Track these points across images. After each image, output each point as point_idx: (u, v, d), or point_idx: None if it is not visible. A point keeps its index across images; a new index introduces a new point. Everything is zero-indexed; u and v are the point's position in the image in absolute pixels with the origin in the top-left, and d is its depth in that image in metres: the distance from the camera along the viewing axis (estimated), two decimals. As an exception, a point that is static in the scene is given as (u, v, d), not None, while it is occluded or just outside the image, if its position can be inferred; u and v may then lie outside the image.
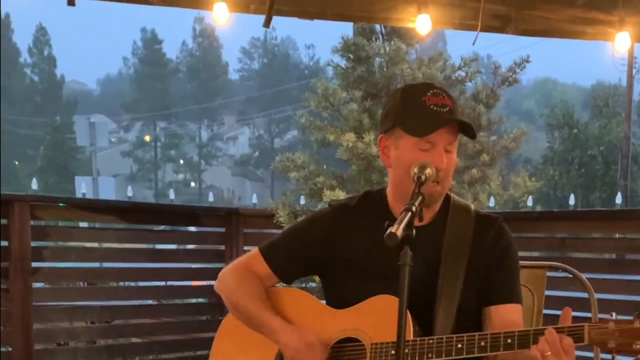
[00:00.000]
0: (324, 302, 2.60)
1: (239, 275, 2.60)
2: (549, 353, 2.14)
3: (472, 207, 2.58)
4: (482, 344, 2.22)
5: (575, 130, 33.86)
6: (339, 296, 2.52)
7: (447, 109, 2.37)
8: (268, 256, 2.61)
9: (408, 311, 2.12)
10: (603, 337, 2.13)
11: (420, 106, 2.37)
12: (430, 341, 2.26)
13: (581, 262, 5.47)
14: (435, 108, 2.36)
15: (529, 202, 8.67)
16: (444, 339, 2.26)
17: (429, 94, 2.39)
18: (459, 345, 2.24)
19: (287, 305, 2.56)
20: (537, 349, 2.16)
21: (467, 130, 2.40)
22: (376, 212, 2.48)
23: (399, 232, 2.04)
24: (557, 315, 2.21)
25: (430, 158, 2.35)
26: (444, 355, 2.25)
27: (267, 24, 4.24)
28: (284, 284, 2.69)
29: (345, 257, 2.51)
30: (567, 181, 32.75)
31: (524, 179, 6.10)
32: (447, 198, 2.55)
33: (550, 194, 31.69)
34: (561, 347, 2.14)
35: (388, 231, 2.04)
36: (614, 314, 2.14)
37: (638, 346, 2.10)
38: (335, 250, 2.53)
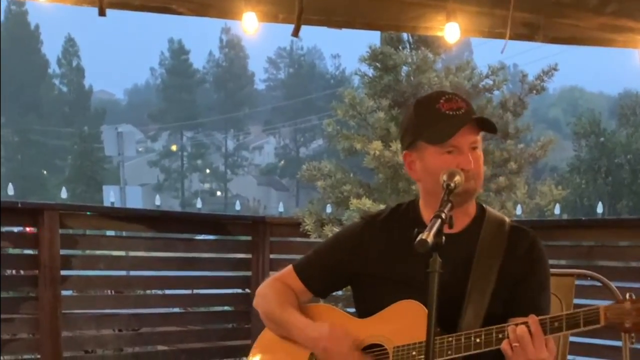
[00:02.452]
0: (351, 310, 2.64)
1: (275, 288, 2.65)
2: (517, 344, 2.18)
3: (507, 219, 2.58)
4: (500, 336, 2.23)
5: (602, 139, 33.66)
6: (369, 305, 2.53)
7: (462, 110, 2.40)
8: (301, 273, 2.65)
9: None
10: (620, 317, 2.12)
11: (436, 114, 2.40)
12: (450, 339, 2.27)
13: (609, 271, 5.42)
14: (450, 112, 2.39)
15: (557, 210, 8.62)
16: (463, 335, 2.27)
17: (442, 100, 2.42)
18: (477, 340, 2.25)
19: (314, 319, 2.58)
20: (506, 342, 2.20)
21: (487, 125, 2.43)
22: (408, 223, 2.46)
23: (430, 239, 2.06)
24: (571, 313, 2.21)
25: (457, 161, 2.37)
26: (462, 350, 2.26)
27: (296, 33, 4.25)
28: (317, 299, 2.73)
29: (375, 269, 2.53)
30: (593, 189, 32.55)
31: (551, 188, 6.06)
32: (483, 209, 2.56)
33: (576, 202, 31.48)
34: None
35: (419, 238, 2.06)
36: (631, 293, 2.12)
37: None
38: (366, 263, 2.55)
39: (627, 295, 2.13)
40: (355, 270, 2.58)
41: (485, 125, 2.43)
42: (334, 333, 2.45)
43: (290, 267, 2.69)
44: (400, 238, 2.44)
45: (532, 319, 2.20)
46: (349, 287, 2.98)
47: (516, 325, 2.21)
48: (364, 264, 2.55)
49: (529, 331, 2.18)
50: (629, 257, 6.11)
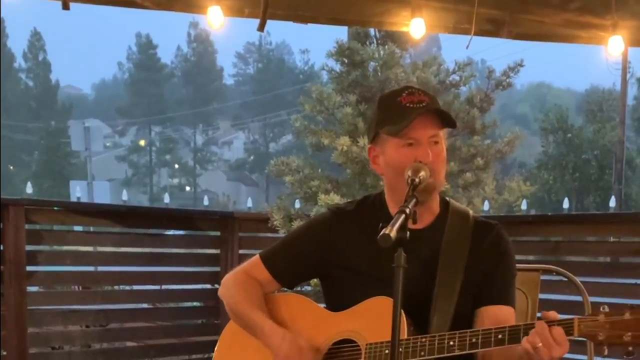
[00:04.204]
0: (322, 305, 2.62)
1: (239, 281, 2.64)
2: (540, 344, 2.14)
3: (471, 213, 2.59)
4: (474, 340, 2.22)
5: (570, 135, 33.91)
6: (338, 299, 2.54)
7: (423, 104, 2.40)
8: (268, 262, 2.64)
9: (403, 312, 2.14)
10: (593, 329, 2.13)
11: (397, 107, 2.41)
12: (423, 339, 2.27)
13: (575, 266, 5.48)
14: (411, 105, 2.39)
15: (523, 206, 8.69)
16: (437, 337, 2.27)
17: (404, 94, 2.43)
18: (451, 343, 2.24)
19: (285, 310, 2.59)
20: (528, 341, 2.16)
21: (446, 119, 2.42)
22: (375, 216, 2.46)
23: (393, 234, 2.05)
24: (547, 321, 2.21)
25: (415, 154, 2.37)
26: (436, 352, 2.25)
27: (261, 27, 4.25)
28: (285, 289, 2.72)
29: (344, 261, 2.53)
30: (561, 185, 32.81)
31: (519, 184, 6.11)
32: (447, 203, 2.57)
33: (544, 198, 31.74)
34: (552, 337, 2.14)
35: (382, 232, 2.06)
36: (605, 306, 2.14)
37: (628, 338, 2.09)
38: (334, 254, 2.55)
39: (601, 308, 2.14)
40: (323, 262, 2.57)
41: (444, 119, 2.42)
42: (293, 348, 2.43)
43: (257, 256, 2.67)
44: (368, 231, 2.41)
45: (549, 317, 2.19)
46: (318, 282, 2.99)
47: (529, 327, 2.19)
48: (332, 256, 2.55)
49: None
50: (595, 253, 6.18)
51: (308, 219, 3.31)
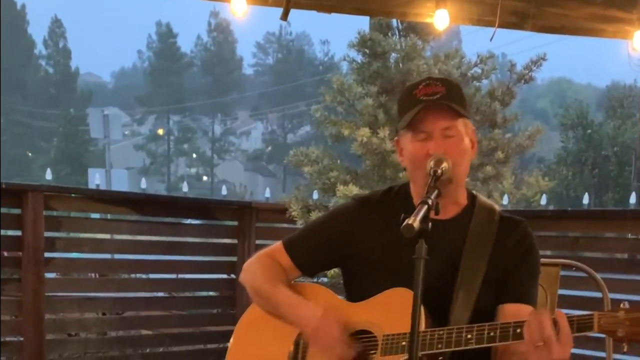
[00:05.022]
0: (341, 297, 2.61)
1: (262, 263, 2.63)
2: (541, 343, 2.10)
3: (497, 208, 2.56)
4: (492, 334, 2.19)
5: (590, 131, 33.77)
6: (358, 290, 2.52)
7: (437, 95, 2.37)
8: (290, 249, 2.63)
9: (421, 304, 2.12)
10: (613, 325, 2.09)
11: (412, 99, 2.39)
12: (441, 332, 2.25)
13: (594, 262, 5.43)
14: (424, 98, 2.37)
15: (543, 201, 8.64)
16: (454, 330, 2.24)
17: (421, 86, 2.41)
18: (469, 336, 2.21)
19: (305, 298, 2.55)
20: (528, 334, 2.12)
21: (458, 110, 2.38)
22: (398, 206, 2.45)
23: (416, 224, 2.04)
24: (569, 315, 2.19)
25: (427, 147, 2.35)
26: (453, 345, 2.23)
27: (284, 16, 4.23)
28: (306, 278, 2.71)
29: (365, 251, 2.51)
30: (580, 181, 32.68)
31: (537, 179, 6.07)
32: (474, 197, 2.55)
33: (563, 194, 31.61)
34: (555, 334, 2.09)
35: (405, 223, 2.04)
36: (625, 303, 2.12)
37: None
38: (356, 244, 2.53)
39: (622, 305, 2.12)
40: (345, 252, 2.56)
41: (456, 110, 2.38)
42: (326, 316, 2.41)
43: (279, 243, 2.66)
44: (390, 221, 2.38)
45: (560, 315, 2.13)
46: (335, 273, 2.98)
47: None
48: (354, 246, 2.53)
49: (556, 329, 2.11)
50: (613, 249, 6.13)
51: (330, 209, 3.29)
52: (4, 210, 5.65)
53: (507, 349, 2.34)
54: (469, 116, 2.47)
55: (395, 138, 2.55)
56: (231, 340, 2.70)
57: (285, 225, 6.02)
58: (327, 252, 2.60)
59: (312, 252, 2.62)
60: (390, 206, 2.53)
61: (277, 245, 2.67)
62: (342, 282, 2.67)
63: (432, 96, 2.36)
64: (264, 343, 2.60)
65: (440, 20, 4.29)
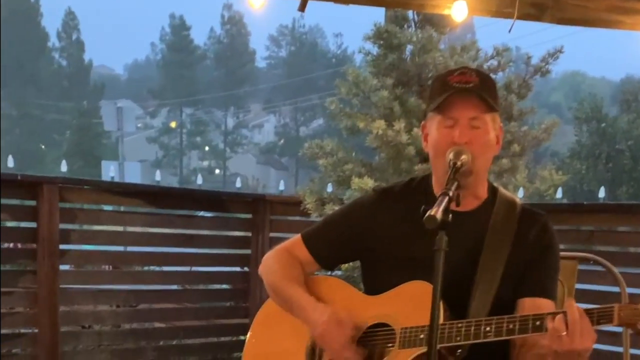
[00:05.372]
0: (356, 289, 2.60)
1: (280, 258, 2.62)
2: (564, 333, 2.09)
3: (519, 201, 2.55)
4: (511, 326, 2.18)
5: (604, 125, 33.63)
6: (377, 282, 2.51)
7: (470, 85, 2.37)
8: (309, 243, 2.62)
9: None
10: (633, 318, 2.09)
11: (445, 85, 2.39)
12: (459, 325, 2.24)
13: (608, 256, 5.38)
14: (457, 85, 2.37)
15: (559, 194, 8.58)
16: (473, 322, 2.23)
17: (456, 73, 2.41)
18: (487, 329, 2.20)
19: (322, 291, 2.56)
20: (553, 327, 2.11)
21: (488, 103, 2.38)
22: (420, 199, 2.43)
23: (439, 215, 2.04)
24: (587, 309, 2.17)
25: (452, 134, 2.35)
26: (472, 338, 2.22)
27: (302, 7, 4.21)
28: (325, 271, 2.70)
29: (385, 244, 2.50)
30: (593, 175, 32.55)
31: (551, 172, 6.02)
32: (495, 189, 2.54)
33: (576, 187, 31.48)
34: (580, 326, 2.09)
35: (427, 214, 2.04)
36: None
37: None
38: (376, 237, 2.52)
39: None
40: (365, 245, 2.54)
41: (486, 102, 2.38)
42: (331, 321, 2.39)
43: (298, 236, 2.66)
44: (410, 213, 2.40)
45: (573, 308, 2.12)
46: (349, 266, 2.95)
47: (556, 314, 2.14)
48: (374, 238, 2.52)
49: (575, 320, 2.10)
50: (628, 243, 6.09)
51: (348, 201, 3.27)
52: (19, 202, 5.66)
53: (525, 342, 2.33)
54: (499, 111, 2.46)
55: (422, 122, 2.54)
56: (248, 334, 2.70)
57: (299, 218, 6.01)
58: (346, 245, 2.59)
59: (331, 246, 2.61)
60: (411, 198, 2.52)
61: (295, 238, 2.66)
62: (356, 274, 2.66)
63: (466, 84, 2.36)
64: (281, 338, 2.59)
65: (458, 11, 4.26)
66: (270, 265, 2.63)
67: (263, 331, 2.67)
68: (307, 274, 2.61)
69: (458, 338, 2.23)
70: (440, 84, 2.42)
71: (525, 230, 2.46)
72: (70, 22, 57.54)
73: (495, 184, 2.58)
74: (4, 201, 5.48)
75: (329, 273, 2.90)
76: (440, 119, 2.39)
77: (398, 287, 2.41)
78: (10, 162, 12.40)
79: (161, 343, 5.97)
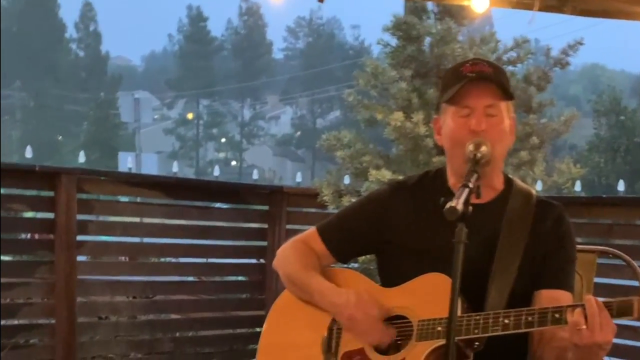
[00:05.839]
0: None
1: (296, 249, 2.61)
2: (584, 327, 2.08)
3: (534, 192, 2.53)
4: (530, 319, 2.17)
5: (623, 117, 33.45)
6: (393, 275, 2.49)
7: (484, 74, 2.37)
8: (325, 235, 2.61)
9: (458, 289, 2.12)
10: None
11: (459, 75, 2.39)
12: (477, 317, 2.23)
13: (628, 249, 5.34)
14: (471, 74, 2.36)
15: (577, 187, 8.54)
16: (491, 315, 2.22)
17: (468, 64, 2.41)
18: (506, 321, 2.19)
19: (340, 283, 2.53)
20: (572, 321, 2.09)
21: (503, 90, 2.38)
22: (435, 191, 2.42)
23: (459, 206, 2.04)
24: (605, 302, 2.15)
25: (469, 123, 2.34)
26: (490, 331, 2.21)
27: (322, -1, 4.18)
28: (340, 264, 2.69)
29: (401, 236, 2.49)
30: (612, 168, 32.40)
31: (569, 165, 5.98)
32: (510, 181, 2.52)
33: (595, 181, 31.34)
34: (599, 319, 2.07)
35: (448, 205, 2.04)
36: None
37: None
38: (392, 229, 2.51)
39: None
40: (379, 237, 2.53)
41: (505, 91, 2.38)
42: (361, 301, 2.39)
43: (313, 229, 2.64)
44: (426, 206, 2.40)
45: (592, 302, 2.11)
46: (365, 259, 2.93)
47: (575, 307, 2.13)
48: (390, 231, 2.50)
49: (594, 313, 2.09)
50: (646, 237, 6.03)
51: (364, 194, 3.26)
52: (36, 192, 5.67)
53: (543, 336, 2.33)
54: (513, 99, 2.46)
55: (435, 116, 2.52)
56: (264, 325, 2.68)
57: (316, 210, 5.98)
58: (362, 237, 2.58)
59: (346, 238, 2.60)
60: (427, 190, 2.51)
61: (310, 231, 2.65)
62: (371, 267, 2.65)
63: (479, 74, 2.36)
64: (297, 329, 2.58)
65: (479, 2, 4.23)
66: (286, 256, 2.62)
67: (279, 321, 2.65)
68: (322, 267, 2.59)
69: (476, 331, 2.22)
70: (453, 75, 2.41)
71: (541, 221, 2.44)
72: (87, 13, 57.78)
73: (510, 176, 2.56)
74: (22, 192, 5.50)
75: (344, 266, 2.88)
76: (455, 109, 2.38)
77: (415, 280, 2.40)
78: (29, 153, 12.48)
79: (177, 334, 5.97)
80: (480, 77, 2.35)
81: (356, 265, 5.02)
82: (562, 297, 2.37)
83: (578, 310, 2.10)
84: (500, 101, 2.38)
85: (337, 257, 2.64)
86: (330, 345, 2.48)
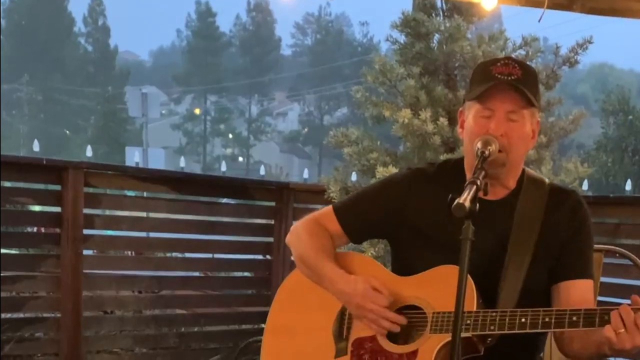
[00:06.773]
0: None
1: (310, 228, 2.60)
2: (623, 330, 2.09)
3: (547, 180, 2.53)
4: (547, 319, 2.18)
5: (631, 117, 33.33)
6: (406, 263, 2.50)
7: (513, 77, 2.35)
8: (340, 215, 2.60)
9: (473, 283, 2.16)
10: None
11: (487, 74, 2.38)
12: (494, 314, 2.23)
13: (635, 249, 5.32)
14: (499, 76, 2.35)
15: (584, 187, 8.49)
16: (508, 312, 2.22)
17: (499, 63, 2.39)
18: (523, 320, 2.20)
19: (353, 268, 2.53)
20: (611, 327, 2.10)
21: (528, 98, 2.36)
22: (453, 180, 2.42)
23: (467, 203, 2.04)
24: (611, 302, 2.15)
25: (489, 125, 2.34)
26: (506, 328, 2.22)
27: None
28: (353, 245, 2.68)
29: (416, 224, 2.49)
30: (620, 168, 32.28)
31: (576, 165, 5.95)
32: (522, 173, 2.51)
33: (602, 180, 31.25)
34: (636, 325, 2.08)
35: (455, 202, 2.05)
36: None
37: None
38: (407, 215, 2.51)
39: None
40: (395, 221, 2.53)
41: (527, 97, 2.36)
42: (368, 288, 2.39)
43: (329, 207, 2.64)
44: (443, 195, 2.36)
45: (627, 308, 2.12)
46: (381, 248, 2.92)
47: (605, 311, 2.14)
48: (407, 217, 2.51)
49: (631, 320, 2.11)
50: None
51: (383, 177, 3.25)
52: (43, 186, 5.67)
53: (566, 333, 2.34)
54: (539, 107, 2.44)
55: (460, 109, 2.52)
56: (272, 305, 2.67)
57: (323, 206, 5.96)
58: (378, 220, 2.57)
59: (362, 220, 2.60)
60: (445, 179, 2.51)
61: (326, 209, 2.65)
62: (383, 254, 2.64)
63: (508, 76, 2.35)
64: (307, 311, 2.57)
65: (488, 0, 4.21)
66: (299, 234, 2.61)
67: (288, 302, 2.65)
68: (335, 248, 2.58)
69: (492, 327, 2.22)
70: (482, 73, 2.41)
71: (555, 210, 2.44)
72: (96, 7, 57.78)
73: (524, 167, 2.55)
74: (29, 185, 5.50)
75: (361, 249, 2.87)
76: (479, 108, 2.38)
77: (431, 270, 2.40)
78: (36, 147, 12.51)
79: (183, 329, 5.97)
80: (506, 81, 2.34)
81: (373, 252, 5.01)
82: (584, 286, 2.39)
83: (615, 312, 2.11)
84: (523, 109, 2.37)
85: (351, 238, 2.65)
86: (341, 330, 2.48)
